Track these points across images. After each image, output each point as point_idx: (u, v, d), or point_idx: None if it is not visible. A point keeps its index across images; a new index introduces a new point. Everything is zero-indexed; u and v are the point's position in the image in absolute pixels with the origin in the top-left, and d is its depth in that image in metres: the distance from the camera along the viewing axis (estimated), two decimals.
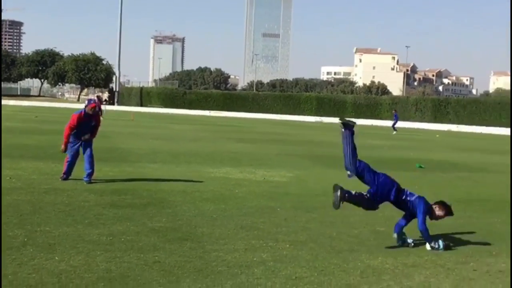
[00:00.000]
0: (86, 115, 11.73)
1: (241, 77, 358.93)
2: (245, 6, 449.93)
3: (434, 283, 5.89)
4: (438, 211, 7.63)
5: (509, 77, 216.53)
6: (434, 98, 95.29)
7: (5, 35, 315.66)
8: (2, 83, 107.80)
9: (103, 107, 50.63)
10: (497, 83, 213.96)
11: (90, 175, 11.77)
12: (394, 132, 49.29)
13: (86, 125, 11.78)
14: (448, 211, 7.69)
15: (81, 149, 11.87)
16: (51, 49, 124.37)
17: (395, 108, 66.34)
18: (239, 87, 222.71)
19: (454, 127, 72.39)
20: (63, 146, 11.77)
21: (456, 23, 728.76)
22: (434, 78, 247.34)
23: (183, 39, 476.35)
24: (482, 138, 49.94)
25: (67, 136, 11.65)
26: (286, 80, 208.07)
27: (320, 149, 25.61)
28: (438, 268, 6.50)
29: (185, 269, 5.96)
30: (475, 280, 6.08)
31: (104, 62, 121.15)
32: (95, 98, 68.63)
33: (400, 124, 54.12)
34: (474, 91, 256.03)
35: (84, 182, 11.55)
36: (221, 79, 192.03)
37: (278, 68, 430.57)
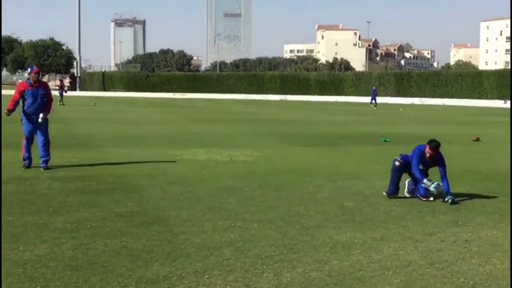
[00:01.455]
0: (30, 84, 11.23)
1: (204, 58, 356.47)
2: None
3: (402, 255, 5.92)
4: (427, 150, 8.84)
5: (469, 49, 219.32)
6: (396, 72, 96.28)
7: None
8: None
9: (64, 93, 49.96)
10: (458, 55, 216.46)
11: (46, 162, 11.40)
12: (374, 108, 50.28)
13: (33, 95, 11.18)
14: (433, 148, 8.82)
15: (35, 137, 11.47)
16: (9, 36, 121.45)
17: (376, 85, 67.31)
18: (202, 68, 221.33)
19: (417, 100, 73.18)
20: (6, 111, 11.16)
21: None
22: (395, 52, 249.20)
23: (144, 21, 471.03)
24: (444, 110, 50.59)
25: (11, 105, 11.18)
26: (249, 59, 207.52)
27: (285, 127, 25.64)
28: (406, 240, 6.54)
29: (153, 253, 5.88)
30: (443, 250, 6.13)
31: (64, 47, 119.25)
32: (58, 81, 67.46)
33: (365, 99, 54.66)
34: (435, 64, 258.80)
35: (41, 169, 11.23)
36: (184, 60, 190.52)
37: (241, 48, 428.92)
